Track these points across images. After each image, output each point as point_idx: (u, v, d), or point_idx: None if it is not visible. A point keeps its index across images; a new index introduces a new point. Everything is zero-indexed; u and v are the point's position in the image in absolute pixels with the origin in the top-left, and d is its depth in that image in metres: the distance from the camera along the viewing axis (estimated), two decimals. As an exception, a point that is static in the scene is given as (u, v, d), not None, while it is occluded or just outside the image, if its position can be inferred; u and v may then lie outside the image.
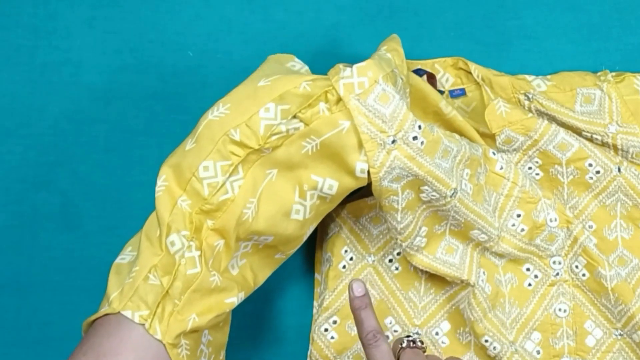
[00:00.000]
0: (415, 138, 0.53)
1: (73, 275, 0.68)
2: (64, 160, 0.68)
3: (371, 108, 0.52)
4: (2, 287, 0.68)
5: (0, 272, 0.68)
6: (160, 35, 0.70)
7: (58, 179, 0.68)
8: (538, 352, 0.65)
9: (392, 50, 0.57)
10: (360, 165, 0.53)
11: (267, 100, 0.53)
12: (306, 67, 0.58)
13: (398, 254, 0.66)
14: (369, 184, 0.55)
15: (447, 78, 0.68)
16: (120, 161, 0.68)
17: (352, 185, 0.55)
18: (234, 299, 0.55)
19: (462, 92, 0.68)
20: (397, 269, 0.66)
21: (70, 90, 0.69)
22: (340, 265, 0.66)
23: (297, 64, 0.58)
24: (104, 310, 0.52)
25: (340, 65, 0.54)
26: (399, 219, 0.57)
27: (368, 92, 0.53)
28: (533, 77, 0.67)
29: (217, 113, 0.54)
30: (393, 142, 0.53)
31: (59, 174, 0.68)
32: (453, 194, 0.57)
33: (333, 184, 0.55)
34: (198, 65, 0.69)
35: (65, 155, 0.68)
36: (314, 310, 0.66)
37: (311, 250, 0.68)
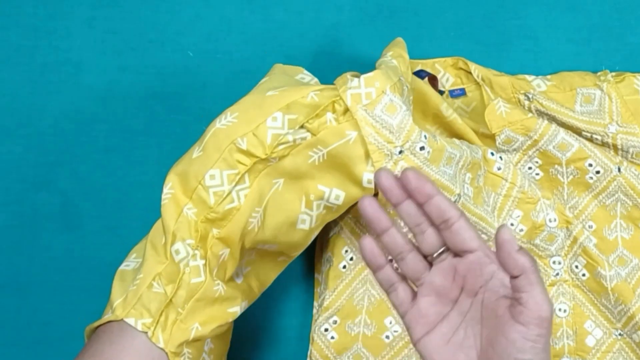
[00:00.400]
0: (422, 148, 0.53)
1: (73, 275, 0.68)
2: (64, 160, 0.68)
3: (378, 119, 0.52)
4: (2, 287, 0.68)
5: (0, 272, 0.68)
6: (160, 35, 0.70)
7: (58, 179, 0.68)
8: (538, 352, 0.65)
9: (397, 56, 0.57)
10: (367, 176, 0.53)
11: (275, 109, 0.53)
12: (315, 79, 0.57)
13: (398, 254, 0.66)
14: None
15: (447, 78, 0.68)
16: (120, 161, 0.68)
17: (358, 195, 0.55)
18: (236, 309, 0.54)
19: (462, 92, 0.68)
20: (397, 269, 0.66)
21: (70, 90, 0.69)
22: (341, 266, 0.66)
23: (306, 76, 0.58)
24: (107, 317, 0.52)
25: (348, 75, 0.54)
26: (402, 225, 0.57)
27: (375, 102, 0.52)
28: (533, 77, 0.67)
29: (225, 122, 0.53)
30: (400, 152, 0.53)
31: (59, 174, 0.68)
32: (457, 199, 0.57)
33: (340, 194, 0.54)
34: (198, 65, 0.69)
35: (65, 155, 0.68)
36: (314, 310, 0.66)
37: (311, 250, 0.68)
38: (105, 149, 0.68)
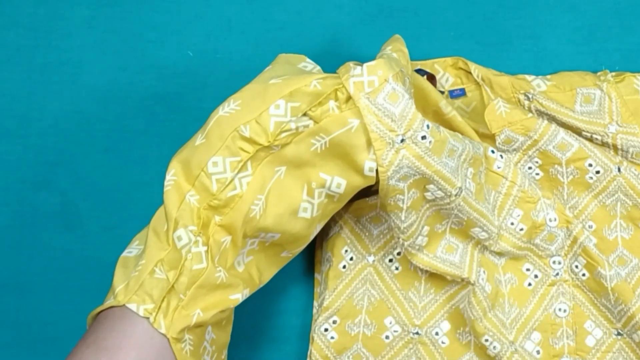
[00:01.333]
0: (424, 137, 0.53)
1: (73, 275, 0.68)
2: (64, 160, 0.68)
3: (381, 107, 0.52)
4: (2, 287, 0.68)
5: (0, 272, 0.68)
6: (160, 35, 0.70)
7: (58, 179, 0.68)
8: (538, 352, 0.65)
9: (397, 50, 0.57)
10: (368, 164, 0.53)
11: (278, 97, 0.53)
12: (318, 67, 0.57)
13: (398, 253, 0.66)
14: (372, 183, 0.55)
15: (447, 78, 0.68)
16: (120, 161, 0.68)
17: (360, 183, 0.55)
18: (238, 296, 0.55)
19: (462, 92, 0.68)
20: (397, 268, 0.66)
21: (70, 90, 0.69)
22: (341, 265, 0.66)
23: (309, 64, 0.58)
24: (109, 302, 0.52)
25: (351, 64, 0.54)
26: (403, 218, 0.57)
27: (378, 90, 0.52)
28: (533, 77, 0.67)
29: (228, 109, 0.53)
30: (402, 141, 0.53)
31: (59, 174, 0.68)
32: (458, 192, 0.57)
33: (341, 183, 0.54)
34: (198, 65, 0.69)
35: (65, 155, 0.68)
36: (314, 310, 0.66)
37: (311, 250, 0.68)
38: (105, 149, 0.68)
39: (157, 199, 0.66)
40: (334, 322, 0.65)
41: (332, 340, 0.65)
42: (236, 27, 0.70)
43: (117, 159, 0.68)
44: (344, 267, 0.66)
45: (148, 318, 0.51)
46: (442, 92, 0.68)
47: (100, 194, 0.68)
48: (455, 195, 0.57)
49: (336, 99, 0.53)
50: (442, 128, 0.56)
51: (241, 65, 0.69)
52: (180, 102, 0.69)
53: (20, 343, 0.67)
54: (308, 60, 0.58)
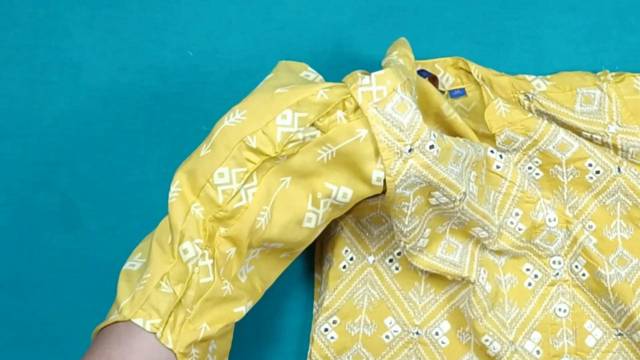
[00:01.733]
0: (432, 147, 0.53)
1: (73, 275, 0.68)
2: (64, 160, 0.68)
3: (389, 117, 0.52)
4: (2, 287, 0.68)
5: (0, 272, 0.68)
6: (160, 35, 0.70)
7: (58, 179, 0.68)
8: (538, 352, 0.65)
9: (403, 55, 0.56)
10: (376, 174, 0.53)
11: (284, 107, 0.52)
12: (320, 77, 0.57)
13: (398, 254, 0.66)
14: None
15: (447, 78, 0.68)
16: (120, 161, 0.68)
17: (366, 193, 0.54)
18: (242, 308, 0.54)
19: (462, 92, 0.68)
20: (397, 268, 0.66)
21: (70, 90, 0.69)
22: (341, 266, 0.66)
23: (311, 73, 0.57)
24: (113, 317, 0.51)
25: (358, 73, 0.54)
26: (406, 223, 0.57)
27: (386, 100, 0.52)
28: (533, 77, 0.67)
29: (233, 119, 0.53)
30: (410, 150, 0.53)
31: (59, 174, 0.68)
32: (462, 197, 0.57)
33: (347, 192, 0.54)
34: (198, 65, 0.69)
35: (65, 155, 0.68)
36: (314, 310, 0.66)
37: (311, 251, 0.68)
38: (105, 149, 0.68)
39: (157, 199, 0.66)
40: (334, 322, 0.65)
41: (332, 340, 0.65)
42: (236, 27, 0.70)
43: (117, 159, 0.68)
44: (344, 267, 0.66)
45: (155, 333, 0.50)
46: (442, 92, 0.68)
47: (100, 194, 0.68)
48: (460, 200, 0.57)
49: (344, 109, 0.52)
50: (445, 135, 0.56)
51: (241, 65, 0.69)
52: (180, 102, 0.69)
53: (20, 343, 0.67)
54: (309, 68, 0.57)
